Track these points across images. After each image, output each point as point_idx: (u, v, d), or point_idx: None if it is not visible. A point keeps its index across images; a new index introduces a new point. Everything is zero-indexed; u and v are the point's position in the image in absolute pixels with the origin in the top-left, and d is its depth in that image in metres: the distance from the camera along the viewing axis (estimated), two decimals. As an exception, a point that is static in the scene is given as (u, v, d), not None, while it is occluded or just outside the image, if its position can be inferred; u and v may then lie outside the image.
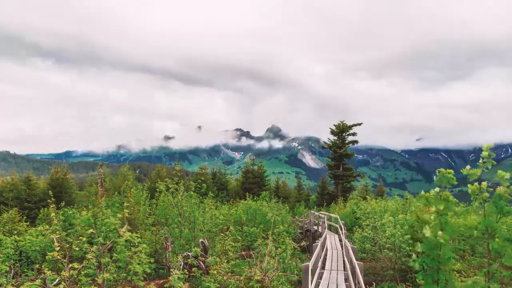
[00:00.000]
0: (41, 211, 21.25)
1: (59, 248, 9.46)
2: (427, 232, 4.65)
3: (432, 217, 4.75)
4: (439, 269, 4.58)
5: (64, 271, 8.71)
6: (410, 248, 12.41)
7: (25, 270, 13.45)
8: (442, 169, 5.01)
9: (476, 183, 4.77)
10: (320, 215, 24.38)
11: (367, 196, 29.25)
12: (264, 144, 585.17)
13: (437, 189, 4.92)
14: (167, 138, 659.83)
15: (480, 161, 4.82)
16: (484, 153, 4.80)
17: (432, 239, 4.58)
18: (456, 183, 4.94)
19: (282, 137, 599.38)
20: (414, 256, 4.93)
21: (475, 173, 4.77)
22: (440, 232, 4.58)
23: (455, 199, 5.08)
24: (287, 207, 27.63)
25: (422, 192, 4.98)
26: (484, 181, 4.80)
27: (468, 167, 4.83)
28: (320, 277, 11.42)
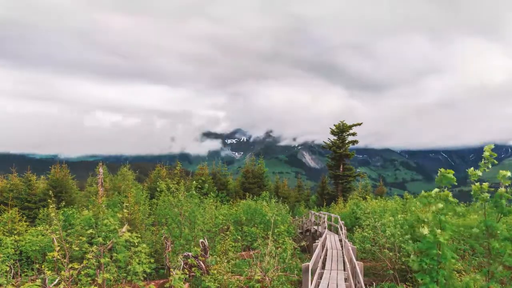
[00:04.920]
0: (41, 211, 21.24)
1: (59, 248, 9.47)
2: (425, 231, 4.66)
3: (430, 217, 4.77)
4: (439, 268, 4.59)
5: (64, 271, 8.71)
6: (410, 247, 12.40)
7: (25, 270, 13.46)
8: (442, 169, 5.03)
9: (478, 183, 4.79)
10: (320, 215, 24.38)
11: (367, 196, 29.25)
12: (264, 144, 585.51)
13: (436, 189, 4.94)
14: (167, 137, 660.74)
15: (482, 161, 4.86)
16: (486, 154, 4.82)
17: (430, 238, 4.60)
18: (456, 183, 4.97)
19: (282, 137, 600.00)
20: (413, 256, 4.94)
21: (477, 173, 4.79)
22: (438, 231, 4.59)
23: (455, 199, 5.10)
24: (287, 207, 27.62)
25: (423, 192, 5.00)
26: (486, 182, 4.82)
27: (472, 168, 4.87)
28: (320, 277, 11.43)
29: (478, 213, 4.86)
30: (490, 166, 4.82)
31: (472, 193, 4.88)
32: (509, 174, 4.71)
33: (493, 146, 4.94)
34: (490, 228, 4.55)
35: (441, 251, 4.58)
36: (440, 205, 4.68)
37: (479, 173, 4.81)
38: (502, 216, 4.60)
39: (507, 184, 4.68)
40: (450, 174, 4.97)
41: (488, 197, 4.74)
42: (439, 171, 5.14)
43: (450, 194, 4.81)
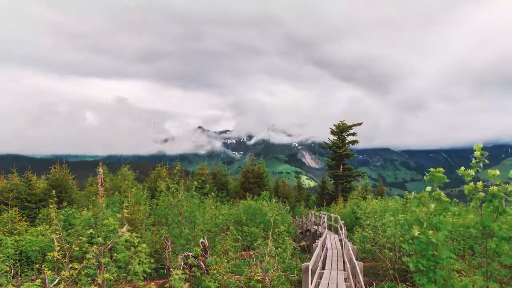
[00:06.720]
0: (41, 211, 21.25)
1: (59, 248, 9.48)
2: (415, 231, 4.66)
3: (424, 217, 4.76)
4: (436, 269, 4.58)
5: (64, 271, 8.72)
6: (410, 247, 12.40)
7: (25, 270, 13.47)
8: (432, 169, 5.04)
9: (472, 183, 4.79)
10: (320, 215, 24.40)
11: (367, 196, 29.23)
12: (264, 144, 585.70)
13: (428, 188, 4.93)
14: (167, 137, 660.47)
15: (473, 161, 4.86)
16: (476, 153, 4.83)
17: (424, 238, 4.59)
18: (447, 181, 4.97)
19: (282, 137, 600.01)
20: (413, 257, 4.93)
21: (469, 173, 4.79)
22: (431, 232, 4.58)
23: (454, 199, 5.10)
24: (287, 207, 27.62)
25: (414, 193, 5.01)
26: (480, 181, 4.82)
27: (462, 168, 4.86)
28: (320, 277, 11.44)
29: (475, 213, 4.86)
30: (481, 166, 4.83)
31: (466, 192, 4.89)
32: (498, 173, 4.72)
33: (481, 145, 4.94)
34: (487, 228, 4.54)
35: (437, 251, 4.57)
36: (432, 205, 4.68)
37: (472, 172, 4.82)
38: (498, 215, 4.60)
39: (498, 183, 4.68)
40: (440, 172, 4.97)
41: (484, 197, 4.73)
42: (429, 171, 5.14)
43: (442, 193, 4.80)
